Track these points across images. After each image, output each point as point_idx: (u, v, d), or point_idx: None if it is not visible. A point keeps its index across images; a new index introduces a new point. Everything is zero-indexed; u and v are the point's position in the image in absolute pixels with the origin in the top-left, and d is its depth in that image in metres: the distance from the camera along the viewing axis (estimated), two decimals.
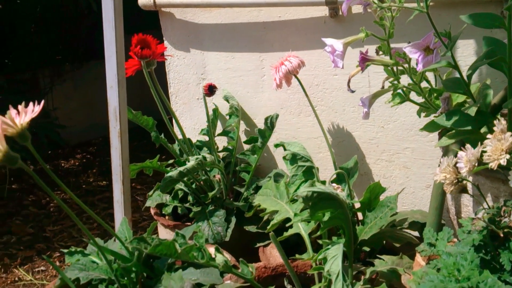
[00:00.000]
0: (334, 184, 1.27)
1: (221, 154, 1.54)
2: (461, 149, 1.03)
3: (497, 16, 0.92)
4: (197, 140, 1.56)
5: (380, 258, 1.12)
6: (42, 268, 2.07)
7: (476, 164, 0.82)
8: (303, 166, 1.17)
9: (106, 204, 2.64)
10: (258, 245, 1.34)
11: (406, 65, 1.04)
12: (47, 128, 2.78)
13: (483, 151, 0.82)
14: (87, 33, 3.30)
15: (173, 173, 1.29)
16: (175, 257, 0.91)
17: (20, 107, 0.91)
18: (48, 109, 3.09)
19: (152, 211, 1.50)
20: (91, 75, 3.50)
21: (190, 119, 1.66)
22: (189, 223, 1.42)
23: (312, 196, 0.88)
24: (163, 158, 1.53)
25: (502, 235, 0.80)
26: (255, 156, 1.45)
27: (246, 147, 1.54)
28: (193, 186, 1.47)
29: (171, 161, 1.50)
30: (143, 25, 2.14)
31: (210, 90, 1.42)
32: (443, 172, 0.87)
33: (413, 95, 1.11)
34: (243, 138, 1.59)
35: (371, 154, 1.44)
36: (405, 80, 1.08)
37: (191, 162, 1.30)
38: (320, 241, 1.04)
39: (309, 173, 1.16)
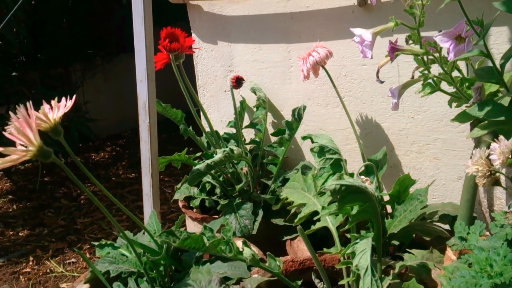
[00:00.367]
0: (362, 177, 1.25)
1: (248, 147, 1.54)
2: (494, 140, 1.00)
3: None
4: (224, 133, 1.56)
5: (409, 252, 1.10)
6: (73, 260, 2.12)
7: (510, 156, 0.79)
8: (331, 159, 1.15)
9: (135, 196, 2.68)
10: (285, 238, 1.34)
11: (436, 54, 1.01)
12: (78, 122, 2.84)
13: None
14: (117, 26, 3.34)
15: (201, 166, 1.29)
16: (203, 250, 0.92)
17: (53, 102, 0.93)
18: (79, 103, 3.15)
19: (180, 204, 1.51)
20: (121, 68, 3.55)
21: (217, 111, 1.66)
22: (217, 216, 1.43)
23: (340, 189, 0.87)
24: (190, 150, 1.54)
25: None
26: (283, 148, 1.45)
27: (273, 139, 1.53)
28: (221, 179, 1.48)
29: (198, 154, 1.51)
30: (170, 18, 2.16)
31: (238, 82, 1.42)
32: (476, 164, 0.84)
33: (443, 85, 1.08)
34: (270, 130, 1.58)
35: (400, 145, 1.41)
36: (435, 69, 1.05)
37: (219, 155, 1.31)
38: (348, 235, 1.03)
39: (337, 165, 1.15)
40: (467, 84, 1.09)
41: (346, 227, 0.99)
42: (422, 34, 1.02)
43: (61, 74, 3.20)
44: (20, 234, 2.38)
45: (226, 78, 1.62)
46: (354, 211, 0.95)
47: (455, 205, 1.29)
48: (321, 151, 1.16)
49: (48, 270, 2.05)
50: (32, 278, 1.99)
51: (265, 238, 1.34)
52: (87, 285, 1.10)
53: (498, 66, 0.94)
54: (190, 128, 1.50)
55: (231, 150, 1.33)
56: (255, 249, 1.13)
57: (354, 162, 1.45)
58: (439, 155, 1.37)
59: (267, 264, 1.01)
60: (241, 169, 1.49)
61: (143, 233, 1.26)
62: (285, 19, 1.47)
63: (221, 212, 1.40)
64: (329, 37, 1.41)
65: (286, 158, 1.51)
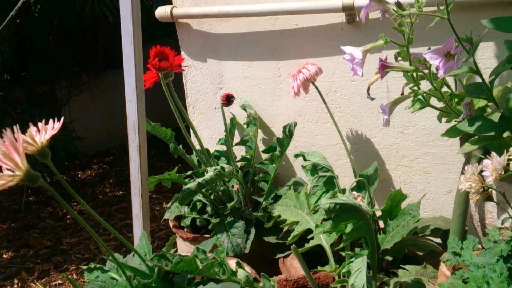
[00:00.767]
0: (354, 192, 1.25)
1: (239, 164, 1.54)
2: (484, 155, 1.01)
3: None
4: (215, 150, 1.56)
5: (403, 268, 1.10)
6: (60, 281, 2.08)
7: (503, 172, 0.80)
8: (324, 177, 1.15)
9: (123, 215, 2.65)
10: (278, 256, 1.33)
11: (426, 71, 1.02)
12: (64, 141, 2.81)
13: (509, 159, 0.80)
14: (104, 44, 3.33)
15: (192, 185, 1.28)
16: (196, 273, 0.91)
17: (40, 124, 0.92)
18: (65, 121, 3.11)
19: (171, 224, 1.50)
20: (108, 85, 3.53)
21: (207, 129, 1.66)
22: (208, 235, 1.41)
23: (334, 208, 0.87)
24: (179, 166, 1.53)
25: None
26: (274, 165, 1.45)
27: (264, 156, 1.53)
28: (212, 197, 1.47)
29: (189, 173, 1.50)
30: (158, 34, 2.15)
31: (228, 100, 1.42)
32: (468, 180, 0.85)
33: (433, 101, 1.09)
34: (261, 147, 1.58)
35: (390, 160, 1.42)
36: (424, 85, 1.06)
37: (210, 173, 1.30)
38: (343, 253, 1.03)
39: (330, 183, 1.15)
40: (456, 99, 1.10)
41: (341, 245, 0.98)
42: (411, 50, 1.04)
43: (47, 92, 3.17)
44: (4, 256, 2.33)
45: (216, 95, 1.61)
46: (348, 229, 0.95)
47: (446, 219, 1.30)
48: (314, 169, 1.16)
49: None
50: None
51: (257, 256, 1.33)
52: None
53: (487, 82, 0.96)
54: (180, 146, 1.49)
55: (222, 168, 1.33)
56: (248, 269, 1.12)
57: (345, 177, 1.46)
58: (429, 169, 1.38)
59: (261, 284, 1.00)
60: (232, 186, 1.48)
61: (133, 255, 1.24)
62: (274, 36, 1.48)
63: (213, 231, 1.39)
64: (318, 54, 1.42)
65: (277, 175, 1.50)
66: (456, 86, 1.13)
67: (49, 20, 3.03)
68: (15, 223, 2.65)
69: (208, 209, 1.46)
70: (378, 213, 1.26)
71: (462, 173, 0.91)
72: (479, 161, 1.00)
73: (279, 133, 1.51)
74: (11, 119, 2.72)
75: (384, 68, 1.05)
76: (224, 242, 1.31)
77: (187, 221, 1.45)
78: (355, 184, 1.30)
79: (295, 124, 1.44)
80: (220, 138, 1.56)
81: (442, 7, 0.92)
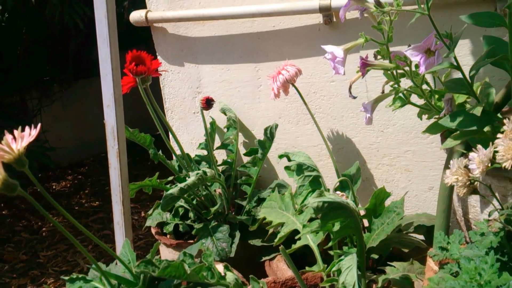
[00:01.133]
0: (338, 192, 1.25)
1: (220, 168, 1.52)
2: (466, 150, 1.02)
3: (496, 15, 0.92)
4: (196, 155, 1.53)
5: (390, 265, 1.10)
6: None
7: (489, 165, 0.81)
8: (310, 176, 1.15)
9: (100, 225, 2.59)
10: (264, 259, 1.32)
11: (407, 68, 1.03)
12: (37, 152, 2.74)
13: (495, 151, 0.80)
14: (75, 52, 3.27)
15: (174, 190, 1.26)
16: (184, 278, 0.89)
17: (16, 132, 0.89)
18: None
19: (153, 231, 1.47)
20: (80, 95, 3.47)
21: (187, 133, 1.64)
22: (192, 241, 1.39)
23: (322, 207, 0.86)
24: (158, 174, 1.50)
25: None
26: (256, 168, 1.43)
27: (245, 159, 1.52)
28: (194, 202, 1.44)
29: (170, 178, 1.47)
30: (129, 41, 2.12)
31: (208, 103, 1.40)
32: (455, 174, 0.85)
33: (413, 98, 1.10)
34: (242, 150, 1.57)
35: (372, 159, 1.43)
36: (404, 83, 1.07)
37: (192, 177, 1.28)
38: (331, 252, 1.02)
39: (316, 182, 1.14)
40: (436, 96, 1.11)
41: (330, 244, 0.98)
42: (390, 49, 1.04)
43: (17, 103, 3.09)
44: None
45: (195, 99, 1.60)
46: (336, 228, 0.94)
47: (429, 215, 1.31)
48: (299, 168, 1.15)
49: None
50: None
51: (243, 260, 1.31)
52: None
53: (468, 78, 0.97)
54: (160, 152, 1.47)
55: (204, 172, 1.31)
56: (235, 273, 1.10)
57: (328, 178, 1.45)
58: (410, 166, 1.39)
59: (250, 287, 0.98)
60: (215, 191, 1.46)
61: (116, 264, 1.21)
62: (252, 38, 1.47)
63: (197, 237, 1.37)
64: (297, 55, 1.42)
65: (259, 178, 1.49)
66: (435, 84, 1.14)
67: (18, 29, 2.96)
68: None
69: (191, 214, 1.44)
70: (362, 212, 1.26)
71: (448, 167, 0.92)
72: (461, 156, 1.00)
73: (259, 136, 1.50)
74: None
75: (365, 66, 1.05)
76: (209, 247, 1.29)
77: (169, 228, 1.42)
78: (338, 184, 1.30)
79: (276, 126, 1.43)
80: (201, 142, 1.54)
81: (422, 5, 0.93)
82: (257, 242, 1.33)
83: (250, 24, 1.47)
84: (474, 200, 1.07)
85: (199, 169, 1.38)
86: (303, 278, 1.11)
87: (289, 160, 1.21)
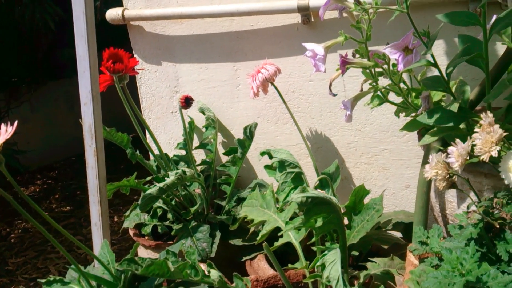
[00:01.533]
0: (318, 190, 1.26)
1: (199, 168, 1.51)
2: (443, 146, 1.05)
3: (471, 14, 0.95)
4: (174, 155, 1.52)
5: (371, 261, 1.12)
6: None
7: (468, 158, 0.83)
8: (292, 173, 1.15)
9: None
10: (244, 258, 1.31)
11: (385, 66, 1.05)
12: (5, 155, 2.65)
13: (472, 145, 0.83)
14: (45, 53, 3.19)
15: (153, 190, 1.24)
16: (168, 276, 0.88)
17: None
18: None
19: (131, 232, 1.44)
20: (50, 97, 3.39)
21: (164, 133, 1.62)
22: (171, 242, 1.37)
23: (306, 202, 0.86)
24: (135, 173, 1.48)
25: (498, 226, 0.81)
26: (235, 167, 1.43)
27: (224, 158, 1.51)
28: (173, 202, 1.43)
29: (149, 178, 1.45)
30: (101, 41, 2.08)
31: (187, 102, 1.39)
32: (434, 168, 0.87)
33: (390, 96, 1.12)
34: (221, 150, 1.56)
35: (350, 158, 1.44)
36: (381, 82, 1.09)
37: (171, 177, 1.27)
38: (314, 248, 1.03)
39: (298, 179, 1.15)
40: (413, 94, 1.13)
41: (313, 239, 0.98)
42: (369, 48, 1.06)
43: None
44: None
45: (172, 99, 1.58)
46: (319, 224, 0.95)
47: (407, 213, 1.33)
48: (282, 165, 1.16)
49: None
50: None
51: (223, 260, 1.30)
52: None
53: (445, 75, 0.99)
54: (137, 152, 1.45)
55: (184, 172, 1.30)
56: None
57: (308, 177, 1.46)
58: (387, 165, 1.41)
59: (233, 285, 0.97)
60: (193, 191, 1.45)
61: (94, 266, 1.18)
62: (230, 38, 1.47)
63: (176, 237, 1.35)
64: (275, 55, 1.43)
65: (238, 178, 1.49)
66: (411, 82, 1.17)
67: None
68: None
69: (169, 215, 1.42)
70: (342, 210, 1.27)
71: (426, 163, 0.94)
72: (438, 152, 1.03)
73: (238, 135, 1.50)
74: None
75: (345, 64, 1.06)
76: (189, 248, 1.27)
77: (147, 229, 1.40)
78: (318, 182, 1.31)
79: (256, 125, 1.43)
80: (179, 142, 1.53)
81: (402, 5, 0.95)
82: (237, 241, 1.33)
83: (229, 23, 1.47)
84: (451, 196, 1.09)
85: (177, 169, 1.37)
86: (286, 276, 1.11)
87: (271, 157, 1.21)
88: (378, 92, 1.10)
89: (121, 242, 2.35)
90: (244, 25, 1.45)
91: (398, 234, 1.31)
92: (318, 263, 0.90)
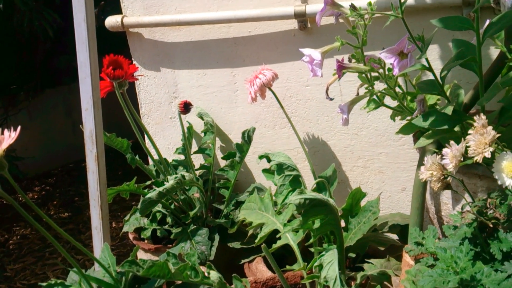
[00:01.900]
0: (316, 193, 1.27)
1: (198, 172, 1.53)
2: (438, 149, 1.07)
3: (465, 19, 0.97)
4: (173, 160, 1.54)
5: (368, 263, 1.13)
6: None
7: (462, 159, 0.85)
8: (290, 175, 1.17)
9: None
10: (243, 261, 1.33)
11: (381, 71, 1.07)
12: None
13: (466, 147, 0.85)
14: (43, 60, 3.21)
15: (152, 194, 1.26)
16: (168, 277, 0.89)
17: None
18: None
19: (131, 236, 1.46)
20: (48, 104, 3.40)
21: (163, 139, 1.64)
22: (170, 245, 1.38)
23: (304, 203, 0.88)
24: (135, 177, 1.49)
25: (491, 225, 0.83)
26: (234, 171, 1.45)
27: (223, 163, 1.53)
28: (172, 206, 1.44)
29: (148, 183, 1.47)
30: (104, 47, 2.10)
31: (186, 107, 1.41)
32: (429, 169, 0.89)
33: (386, 100, 1.14)
34: (219, 154, 1.58)
35: (346, 161, 1.46)
36: (377, 87, 1.11)
37: (170, 181, 1.28)
38: (311, 249, 1.04)
39: (296, 182, 1.16)
40: (409, 97, 1.16)
41: (311, 240, 1.00)
42: (364, 53, 1.08)
43: None
44: None
45: (171, 104, 1.60)
46: (316, 225, 0.96)
47: (403, 215, 1.35)
48: (280, 168, 1.17)
49: None
50: None
51: (222, 263, 1.31)
52: None
53: (439, 79, 1.02)
54: (137, 157, 1.46)
55: (183, 176, 1.31)
56: None
57: (305, 180, 1.48)
58: (383, 168, 1.43)
59: (232, 287, 0.99)
60: (192, 195, 1.47)
61: (94, 270, 1.20)
62: (228, 44, 1.49)
63: (175, 241, 1.36)
64: (272, 60, 1.45)
65: (236, 182, 1.51)
66: (406, 87, 1.19)
67: None
68: None
69: (169, 219, 1.44)
70: (339, 213, 1.29)
71: (422, 164, 0.95)
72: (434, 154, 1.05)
73: (236, 140, 1.51)
74: None
75: (341, 69, 1.08)
76: (188, 251, 1.29)
77: (147, 233, 1.42)
78: (315, 185, 1.33)
79: (254, 129, 1.45)
80: (178, 147, 1.55)
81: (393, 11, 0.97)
82: (236, 244, 1.34)
83: (226, 30, 1.49)
84: (446, 198, 1.11)
85: (176, 174, 1.39)
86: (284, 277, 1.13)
87: (269, 161, 1.23)
88: (374, 96, 1.12)
89: (119, 248, 2.35)
90: (241, 31, 1.47)
91: (394, 237, 1.33)
92: (315, 264, 0.92)
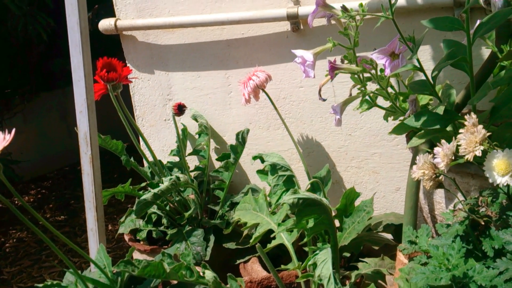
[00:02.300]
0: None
1: (192, 174, 1.53)
2: (430, 149, 1.08)
3: (455, 19, 0.98)
4: (168, 162, 1.54)
5: (362, 261, 1.14)
6: None
7: (453, 158, 0.86)
8: (284, 176, 1.18)
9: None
10: (238, 261, 1.33)
11: (373, 71, 1.08)
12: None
13: (457, 146, 0.85)
14: (37, 64, 3.21)
15: (148, 195, 1.26)
16: (164, 277, 0.89)
17: None
18: None
19: (127, 237, 1.46)
20: (43, 108, 3.40)
21: (158, 141, 1.64)
22: (166, 246, 1.39)
23: (298, 203, 0.89)
24: (130, 179, 1.50)
25: (483, 223, 0.84)
26: (229, 172, 1.45)
27: (217, 164, 1.53)
28: (167, 208, 1.45)
29: (143, 184, 1.47)
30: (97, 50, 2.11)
31: (180, 109, 1.42)
32: (421, 168, 0.90)
33: (379, 101, 1.15)
34: (213, 156, 1.59)
35: (341, 162, 1.47)
36: (369, 87, 1.12)
37: (165, 183, 1.29)
38: (306, 248, 1.05)
39: (290, 182, 1.17)
40: (401, 98, 1.17)
41: (305, 239, 1.00)
42: (356, 54, 1.09)
43: None
44: None
45: (166, 107, 1.61)
46: (310, 224, 0.97)
47: (397, 215, 1.36)
48: (273, 168, 1.18)
49: None
50: None
51: (217, 264, 1.32)
52: None
53: (431, 79, 1.03)
54: (132, 159, 1.47)
55: (178, 178, 1.32)
56: None
57: (299, 181, 1.48)
58: (377, 168, 1.44)
59: (228, 286, 0.99)
60: (187, 196, 1.47)
61: (90, 271, 1.20)
62: (221, 46, 1.50)
63: (171, 242, 1.37)
64: (266, 62, 1.46)
65: (231, 184, 1.51)
66: (399, 87, 1.20)
67: None
68: None
69: (164, 220, 1.44)
70: (333, 213, 1.29)
71: (415, 163, 0.96)
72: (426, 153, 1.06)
73: (231, 142, 1.52)
74: None
75: (333, 69, 1.09)
76: (183, 251, 1.29)
77: (142, 234, 1.42)
78: (309, 186, 1.34)
79: (248, 131, 1.46)
80: (172, 149, 1.55)
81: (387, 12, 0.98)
82: (231, 245, 1.35)
83: (220, 32, 1.50)
84: (439, 197, 1.12)
85: (171, 175, 1.39)
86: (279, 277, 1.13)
87: (263, 161, 1.24)
88: (367, 97, 1.13)
89: (116, 250, 2.36)
90: (235, 33, 1.48)
91: (388, 236, 1.34)
92: (310, 262, 0.93)
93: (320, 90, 1.14)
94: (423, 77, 1.04)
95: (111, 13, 1.60)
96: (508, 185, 0.82)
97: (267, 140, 1.52)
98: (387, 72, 1.01)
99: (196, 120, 1.52)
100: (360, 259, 1.15)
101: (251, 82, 1.34)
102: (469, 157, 0.82)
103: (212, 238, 1.34)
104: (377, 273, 1.07)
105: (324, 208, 0.94)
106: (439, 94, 1.10)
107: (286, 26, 1.42)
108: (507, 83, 0.98)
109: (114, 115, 1.38)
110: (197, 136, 1.54)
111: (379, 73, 1.07)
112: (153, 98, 1.61)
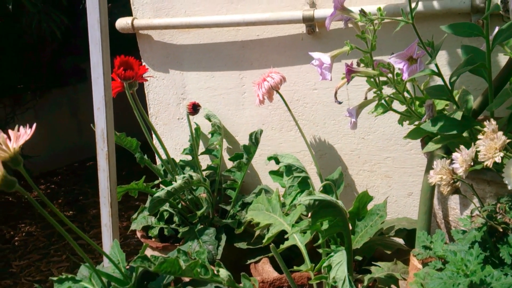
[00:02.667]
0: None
1: (204, 173, 1.54)
2: (446, 154, 1.08)
3: (474, 25, 0.98)
4: (180, 160, 1.55)
5: (375, 265, 1.14)
6: None
7: (472, 164, 0.86)
8: (299, 177, 1.18)
9: (75, 235, 2.55)
10: (249, 261, 1.34)
11: (390, 75, 1.08)
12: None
13: (476, 151, 0.85)
14: (50, 61, 3.23)
15: (161, 193, 1.27)
16: (179, 274, 0.90)
17: (10, 131, 0.90)
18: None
19: (139, 234, 1.47)
20: (54, 104, 3.43)
21: (171, 139, 1.65)
22: (178, 244, 1.39)
23: (314, 204, 0.89)
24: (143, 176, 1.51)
25: (501, 230, 0.84)
26: (241, 172, 1.46)
27: (230, 164, 1.54)
28: (179, 206, 1.46)
29: (157, 182, 1.48)
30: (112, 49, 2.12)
31: (194, 108, 1.42)
32: (439, 173, 0.90)
33: (394, 105, 1.15)
34: (226, 156, 1.59)
35: (353, 165, 1.47)
36: (385, 91, 1.12)
37: (179, 181, 1.29)
38: (320, 250, 1.05)
39: (305, 183, 1.17)
40: (417, 102, 1.17)
41: (319, 241, 1.01)
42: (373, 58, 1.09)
43: None
44: None
45: (179, 106, 1.61)
46: (325, 226, 0.97)
47: (410, 220, 1.36)
48: (289, 169, 1.19)
49: None
50: None
51: (228, 263, 1.32)
52: None
53: (448, 84, 1.03)
54: (145, 156, 1.48)
55: (191, 176, 1.32)
56: None
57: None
58: (390, 173, 1.44)
59: (241, 285, 1.00)
60: (199, 195, 1.48)
61: (103, 266, 1.21)
62: (236, 47, 1.51)
63: (182, 240, 1.37)
64: (280, 64, 1.46)
65: (242, 183, 1.52)
66: (414, 92, 1.20)
67: None
68: None
69: (176, 218, 1.45)
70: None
71: (431, 169, 0.96)
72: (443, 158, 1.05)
73: (243, 142, 1.53)
74: None
75: (350, 72, 1.09)
76: (195, 250, 1.30)
77: (154, 231, 1.43)
78: (322, 188, 1.34)
79: (261, 131, 1.46)
80: (185, 148, 1.56)
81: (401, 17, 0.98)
82: (242, 245, 1.35)
83: (235, 33, 1.50)
84: (454, 203, 1.12)
85: (184, 174, 1.40)
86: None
87: (277, 162, 1.24)
88: (382, 101, 1.13)
89: (123, 247, 2.36)
90: (250, 34, 1.48)
91: (400, 241, 1.34)
92: (324, 264, 0.93)
93: (336, 93, 1.15)
94: (439, 82, 1.04)
95: (125, 12, 1.62)
96: None
97: (279, 141, 1.53)
98: (405, 76, 1.01)
99: (210, 120, 1.53)
100: (372, 262, 1.14)
101: (266, 83, 1.35)
102: (489, 163, 0.81)
103: (223, 237, 1.34)
104: (391, 277, 1.07)
105: (340, 210, 0.94)
106: (456, 99, 1.10)
107: (301, 28, 1.42)
108: None
109: (127, 113, 1.39)
110: (209, 136, 1.55)
111: (395, 77, 1.07)
112: (167, 97, 1.62)
